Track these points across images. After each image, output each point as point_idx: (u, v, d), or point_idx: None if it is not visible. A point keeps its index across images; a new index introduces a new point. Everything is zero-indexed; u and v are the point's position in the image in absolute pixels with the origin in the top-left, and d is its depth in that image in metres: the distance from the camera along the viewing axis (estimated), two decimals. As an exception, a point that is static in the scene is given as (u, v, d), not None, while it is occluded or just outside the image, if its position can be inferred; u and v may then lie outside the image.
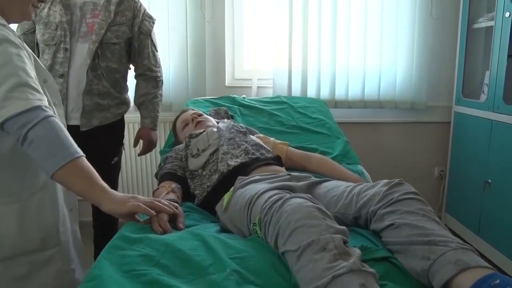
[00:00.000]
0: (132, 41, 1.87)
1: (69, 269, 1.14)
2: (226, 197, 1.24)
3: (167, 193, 1.33)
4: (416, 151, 2.80)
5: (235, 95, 2.33)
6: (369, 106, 2.65)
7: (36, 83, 0.97)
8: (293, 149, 1.76)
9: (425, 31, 2.56)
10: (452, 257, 0.85)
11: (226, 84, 2.70)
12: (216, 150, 1.49)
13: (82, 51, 1.73)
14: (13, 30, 1.01)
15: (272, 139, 1.78)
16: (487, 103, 2.27)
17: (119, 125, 1.95)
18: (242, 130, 1.64)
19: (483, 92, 2.38)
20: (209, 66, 2.61)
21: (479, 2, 2.49)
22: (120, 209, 0.98)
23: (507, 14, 2.08)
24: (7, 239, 1.01)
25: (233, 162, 1.41)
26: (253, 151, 1.49)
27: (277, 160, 1.52)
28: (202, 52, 2.57)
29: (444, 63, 2.68)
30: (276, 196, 1.01)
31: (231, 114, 2.12)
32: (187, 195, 1.46)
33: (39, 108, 0.93)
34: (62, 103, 1.21)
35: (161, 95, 2.02)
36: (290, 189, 1.16)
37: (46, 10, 1.75)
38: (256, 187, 1.16)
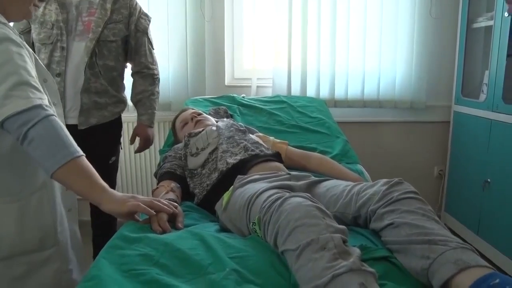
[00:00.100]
0: (129, 39, 1.87)
1: (67, 269, 1.13)
2: (225, 196, 1.24)
3: (167, 193, 1.33)
4: (415, 150, 2.80)
5: (234, 95, 2.33)
6: (369, 106, 2.65)
7: (36, 82, 0.97)
8: (293, 148, 1.76)
9: (424, 31, 2.56)
10: (451, 256, 0.85)
11: (226, 84, 2.70)
12: (216, 149, 1.49)
13: (79, 50, 1.73)
14: (14, 29, 1.00)
15: (271, 138, 1.78)
16: (487, 102, 2.27)
17: (116, 124, 1.94)
18: (242, 129, 1.64)
19: (483, 91, 2.38)
20: (208, 66, 2.61)
21: (478, 2, 2.49)
22: (120, 208, 0.98)
23: (506, 13, 2.08)
24: (7, 239, 1.01)
25: (232, 160, 1.41)
26: (252, 148, 1.48)
27: (277, 157, 1.52)
28: (201, 51, 2.57)
29: (443, 62, 2.68)
30: (275, 195, 1.01)
31: (231, 113, 2.12)
32: (186, 194, 1.46)
33: (39, 107, 0.92)
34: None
35: (158, 92, 2.01)
36: (290, 189, 1.16)
37: (41, 9, 1.74)
38: (255, 187, 1.16)
